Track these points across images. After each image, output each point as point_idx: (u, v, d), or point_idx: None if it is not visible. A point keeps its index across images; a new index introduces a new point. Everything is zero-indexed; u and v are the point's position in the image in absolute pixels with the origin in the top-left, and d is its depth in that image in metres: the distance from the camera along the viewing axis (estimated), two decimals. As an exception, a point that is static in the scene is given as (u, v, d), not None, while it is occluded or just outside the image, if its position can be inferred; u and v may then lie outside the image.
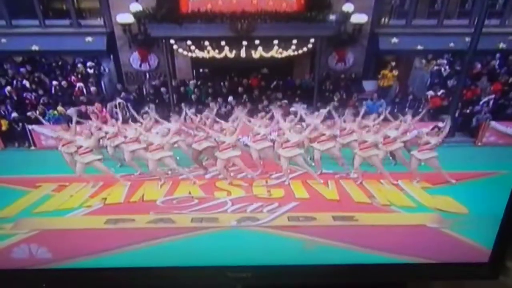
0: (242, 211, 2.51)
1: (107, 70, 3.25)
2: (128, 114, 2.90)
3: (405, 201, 2.62)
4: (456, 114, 3.04)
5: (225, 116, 2.96)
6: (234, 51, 3.05)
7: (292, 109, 2.97)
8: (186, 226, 2.42)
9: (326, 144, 2.90)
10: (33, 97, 3.04)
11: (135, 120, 2.88)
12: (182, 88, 3.25)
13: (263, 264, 2.09)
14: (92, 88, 3.12)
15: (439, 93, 3.12)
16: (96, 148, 2.74)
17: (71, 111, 2.88)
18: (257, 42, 3.03)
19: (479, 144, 3.09)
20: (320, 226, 2.42)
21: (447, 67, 3.21)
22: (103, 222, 2.44)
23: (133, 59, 3.20)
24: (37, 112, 2.95)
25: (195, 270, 2.12)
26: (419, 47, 3.19)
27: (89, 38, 3.08)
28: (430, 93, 3.14)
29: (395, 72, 3.26)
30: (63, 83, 3.14)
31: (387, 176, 2.82)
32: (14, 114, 2.98)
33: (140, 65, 3.22)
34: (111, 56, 3.20)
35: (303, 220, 2.46)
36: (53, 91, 3.14)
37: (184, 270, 2.13)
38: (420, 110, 2.97)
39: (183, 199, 2.67)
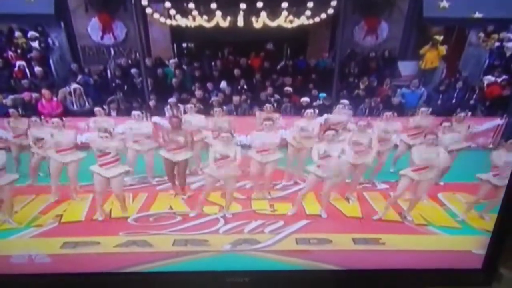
0: (238, 231, 2.52)
1: (56, 43, 3.06)
2: (87, 104, 2.70)
3: (446, 219, 2.63)
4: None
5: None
6: (228, 18, 2.88)
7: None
8: (166, 250, 2.42)
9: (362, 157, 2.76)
10: (-46, 81, 2.94)
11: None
12: (159, 70, 3.09)
13: (262, 270, 2.32)
14: (37, 69, 2.93)
15: (499, 79, 2.98)
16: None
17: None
18: (259, 5, 2.85)
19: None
20: (337, 251, 2.44)
21: (512, 43, 3.03)
22: (58, 246, 2.42)
23: (92, 28, 3.01)
24: None
25: (192, 275, 2.32)
26: (477, 15, 2.99)
27: (29, -4, 2.98)
28: (488, 78, 3.01)
29: (443, 50, 3.09)
30: (-3, 60, 3.02)
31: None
32: None
33: (102, 37, 3.04)
34: (62, 24, 3.00)
35: (315, 243, 2.46)
36: (-18, 72, 3.06)
37: (180, 275, 2.31)
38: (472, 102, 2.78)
39: (162, 215, 2.66)
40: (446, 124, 2.65)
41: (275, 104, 2.90)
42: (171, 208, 2.72)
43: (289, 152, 2.93)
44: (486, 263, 2.28)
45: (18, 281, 2.28)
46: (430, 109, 2.77)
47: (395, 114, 2.78)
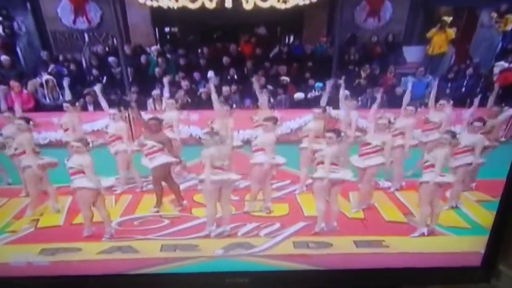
0: (231, 234, 2.49)
1: (23, 28, 2.87)
2: (61, 97, 2.70)
3: (455, 219, 2.59)
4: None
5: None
6: (215, -1, 2.71)
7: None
8: (153, 256, 2.38)
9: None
10: None
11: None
12: (143, 57, 2.93)
13: (261, 270, 2.35)
14: (3, 58, 2.74)
15: (513, 65, 3.02)
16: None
17: None
18: (249, -18, 2.73)
19: None
20: (338, 255, 2.42)
21: (528, 25, 3.02)
22: (36, 253, 2.36)
23: (63, 10, 2.82)
24: None
25: (189, 276, 2.35)
26: (490, -7, 3.02)
27: (-11, -26, 2.83)
28: (501, 64, 2.83)
29: (451, 33, 2.94)
30: (-43, 49, 2.93)
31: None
32: None
33: (75, 21, 2.85)
34: (28, 5, 2.81)
35: (314, 247, 2.43)
36: None
37: (178, 276, 2.34)
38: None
39: (148, 219, 2.60)
40: (478, 124, 2.48)
41: (270, 98, 2.76)
42: (157, 211, 2.62)
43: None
44: (485, 260, 2.34)
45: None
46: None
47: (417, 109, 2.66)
